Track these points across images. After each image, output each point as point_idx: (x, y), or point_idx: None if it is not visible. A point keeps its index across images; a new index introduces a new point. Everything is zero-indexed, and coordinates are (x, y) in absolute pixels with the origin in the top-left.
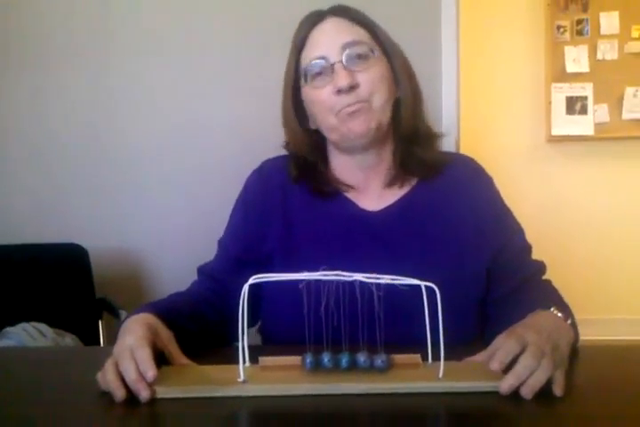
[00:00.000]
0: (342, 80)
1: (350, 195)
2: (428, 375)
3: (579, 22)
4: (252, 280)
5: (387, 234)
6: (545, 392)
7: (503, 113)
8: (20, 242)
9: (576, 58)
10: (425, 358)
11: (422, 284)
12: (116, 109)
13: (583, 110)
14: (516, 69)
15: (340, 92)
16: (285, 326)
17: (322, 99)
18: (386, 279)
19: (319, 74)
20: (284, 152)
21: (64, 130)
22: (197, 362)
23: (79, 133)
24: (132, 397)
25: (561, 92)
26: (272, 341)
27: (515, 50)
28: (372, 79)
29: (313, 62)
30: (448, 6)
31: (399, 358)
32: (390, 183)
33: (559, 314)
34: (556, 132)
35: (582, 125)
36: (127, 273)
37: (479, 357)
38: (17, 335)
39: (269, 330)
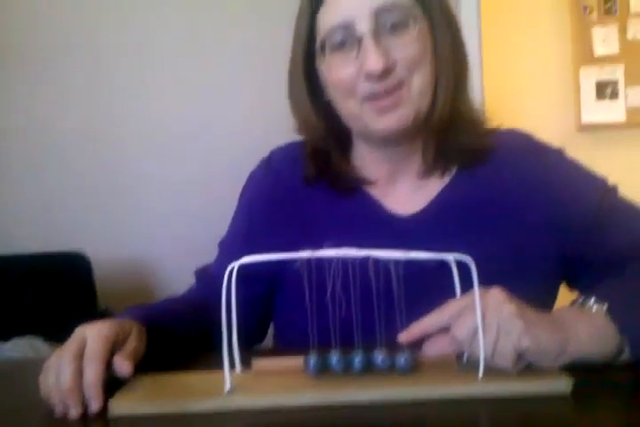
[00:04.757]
0: (374, 62)
1: (376, 192)
2: (463, 377)
3: (606, 1)
4: (242, 261)
5: (420, 242)
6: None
7: (529, 101)
8: (19, 250)
9: (605, 39)
10: (459, 355)
11: (451, 257)
12: (117, 114)
13: (614, 95)
14: (541, 54)
15: (369, 76)
16: (293, 325)
17: (341, 79)
18: (406, 255)
19: (341, 46)
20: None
21: (65, 134)
22: (184, 370)
23: (81, 138)
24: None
25: (590, 77)
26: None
27: (539, 33)
28: (413, 56)
29: (333, 31)
30: None
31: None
32: (425, 175)
33: (594, 307)
34: (586, 119)
35: (614, 111)
36: (133, 284)
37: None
38: (9, 351)
39: (280, 334)
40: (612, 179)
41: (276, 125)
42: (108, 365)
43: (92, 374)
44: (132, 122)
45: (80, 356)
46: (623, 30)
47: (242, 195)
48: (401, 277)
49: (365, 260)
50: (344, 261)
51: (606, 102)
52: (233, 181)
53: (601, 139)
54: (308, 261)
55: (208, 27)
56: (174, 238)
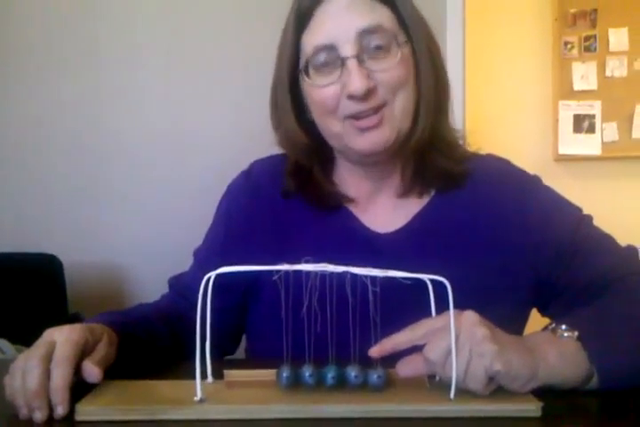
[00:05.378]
0: (356, 83)
1: (355, 209)
2: (435, 395)
3: (587, 38)
4: (219, 271)
5: (397, 260)
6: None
7: (509, 131)
8: None
9: (584, 75)
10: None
11: (427, 277)
12: (100, 119)
13: (591, 129)
14: (523, 86)
15: (352, 97)
16: (266, 337)
17: (323, 98)
18: (383, 273)
19: (324, 66)
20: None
21: (44, 137)
22: (154, 378)
23: (58, 141)
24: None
25: (568, 110)
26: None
27: (521, 66)
28: (395, 79)
29: (317, 51)
30: (453, 22)
31: None
32: (404, 194)
33: (565, 334)
34: (563, 150)
35: (590, 144)
36: (105, 289)
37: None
38: None
39: (252, 346)
40: (585, 210)
41: (258, 136)
42: (77, 369)
43: (60, 378)
44: (111, 127)
45: (48, 359)
46: (602, 67)
47: (220, 205)
48: (377, 293)
49: (342, 275)
50: (321, 276)
51: (583, 136)
52: (209, 189)
53: (576, 170)
54: (286, 274)
55: (201, 32)
56: (148, 245)
